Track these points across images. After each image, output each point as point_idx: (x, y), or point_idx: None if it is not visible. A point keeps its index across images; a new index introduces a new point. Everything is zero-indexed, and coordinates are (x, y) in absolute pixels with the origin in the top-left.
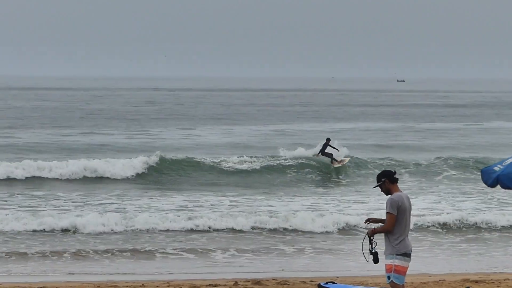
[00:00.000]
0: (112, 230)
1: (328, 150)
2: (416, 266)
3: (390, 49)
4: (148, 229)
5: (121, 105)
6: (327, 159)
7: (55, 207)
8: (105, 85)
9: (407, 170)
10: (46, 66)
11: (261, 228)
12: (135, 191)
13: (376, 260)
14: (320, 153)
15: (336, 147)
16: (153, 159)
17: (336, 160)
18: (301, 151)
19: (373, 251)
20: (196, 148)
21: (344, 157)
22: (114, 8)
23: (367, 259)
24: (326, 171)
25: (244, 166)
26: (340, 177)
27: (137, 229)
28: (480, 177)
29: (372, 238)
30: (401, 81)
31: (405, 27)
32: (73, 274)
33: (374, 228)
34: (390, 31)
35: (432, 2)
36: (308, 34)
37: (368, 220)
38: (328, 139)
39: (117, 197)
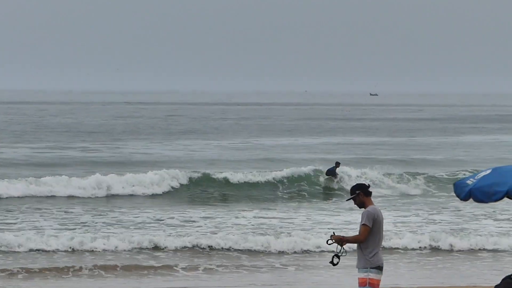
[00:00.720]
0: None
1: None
2: (387, 279)
3: (364, 63)
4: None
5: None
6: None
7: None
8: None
9: (380, 183)
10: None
11: (228, 245)
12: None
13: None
14: (331, 176)
15: (337, 172)
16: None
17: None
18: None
19: (339, 254)
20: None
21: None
22: (94, 17)
23: (333, 261)
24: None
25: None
26: (317, 189)
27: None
28: (453, 191)
29: (342, 247)
30: (374, 95)
31: (379, 42)
32: None
33: (343, 237)
34: (364, 46)
35: (407, 16)
36: (282, 47)
37: (333, 238)
38: (337, 163)
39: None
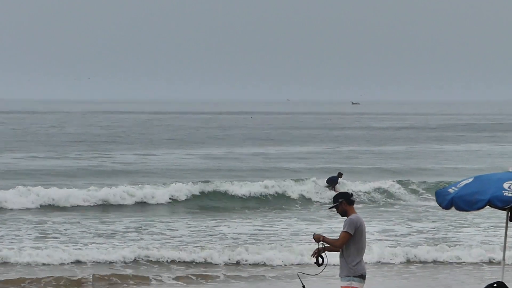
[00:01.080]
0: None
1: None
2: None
3: (346, 72)
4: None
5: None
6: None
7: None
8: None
9: (360, 192)
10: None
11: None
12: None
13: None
14: (333, 188)
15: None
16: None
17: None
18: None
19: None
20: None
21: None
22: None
23: (318, 263)
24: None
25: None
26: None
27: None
28: (435, 199)
29: (319, 245)
30: (356, 103)
31: (362, 50)
32: None
33: (324, 237)
34: (346, 54)
35: (390, 25)
36: (263, 56)
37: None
38: (340, 174)
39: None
